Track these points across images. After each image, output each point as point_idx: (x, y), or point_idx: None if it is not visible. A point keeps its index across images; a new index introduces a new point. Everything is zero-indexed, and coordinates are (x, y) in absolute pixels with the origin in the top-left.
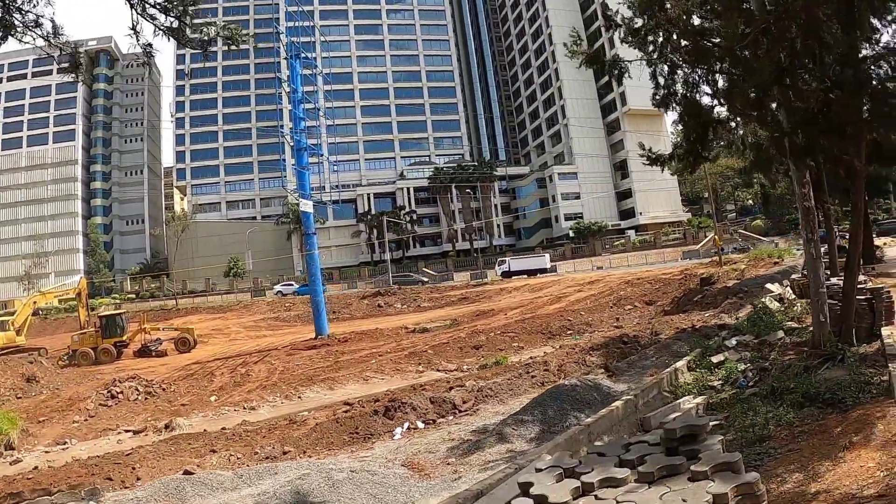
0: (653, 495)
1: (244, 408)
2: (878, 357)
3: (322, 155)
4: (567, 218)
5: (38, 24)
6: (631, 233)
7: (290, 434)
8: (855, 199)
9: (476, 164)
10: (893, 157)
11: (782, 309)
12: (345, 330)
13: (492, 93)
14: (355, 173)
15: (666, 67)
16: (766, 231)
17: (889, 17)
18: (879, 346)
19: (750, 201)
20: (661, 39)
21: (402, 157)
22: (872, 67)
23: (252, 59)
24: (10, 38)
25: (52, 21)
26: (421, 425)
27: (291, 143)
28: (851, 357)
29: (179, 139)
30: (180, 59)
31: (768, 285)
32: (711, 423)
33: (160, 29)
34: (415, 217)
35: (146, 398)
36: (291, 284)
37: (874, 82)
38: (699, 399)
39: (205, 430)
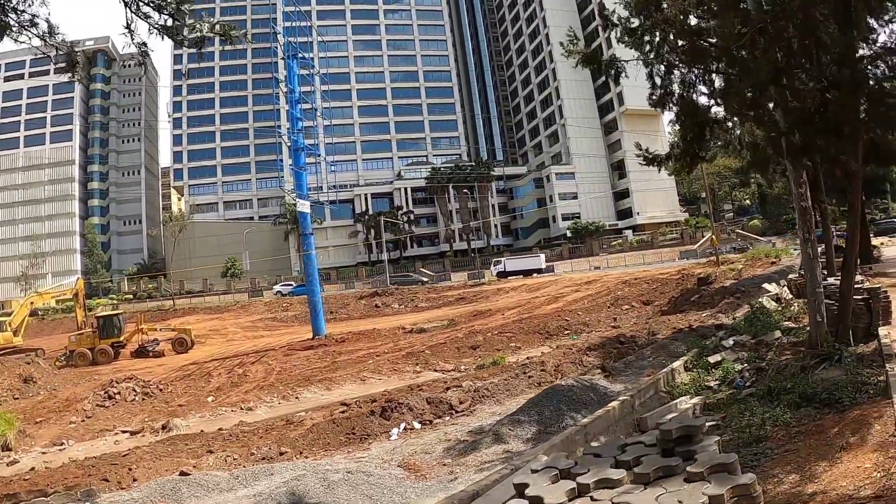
0: (648, 497)
1: (241, 408)
2: (876, 357)
3: (319, 155)
4: (564, 218)
5: (33, 24)
6: (628, 233)
7: (286, 435)
8: (852, 199)
9: (473, 164)
10: (890, 157)
11: (779, 309)
12: (342, 330)
13: (489, 93)
14: (353, 173)
15: (662, 67)
16: (763, 231)
17: (886, 17)
18: (876, 346)
19: (747, 201)
20: (657, 39)
21: (399, 158)
22: (869, 67)
23: (249, 60)
24: (5, 37)
25: (48, 21)
26: (417, 426)
27: (288, 144)
28: (848, 357)
29: (176, 139)
30: (177, 59)
31: (765, 285)
32: (708, 424)
33: (154, 27)
34: (412, 217)
35: (143, 399)
36: (291, 284)
37: (871, 82)
38: (696, 399)
39: (202, 431)
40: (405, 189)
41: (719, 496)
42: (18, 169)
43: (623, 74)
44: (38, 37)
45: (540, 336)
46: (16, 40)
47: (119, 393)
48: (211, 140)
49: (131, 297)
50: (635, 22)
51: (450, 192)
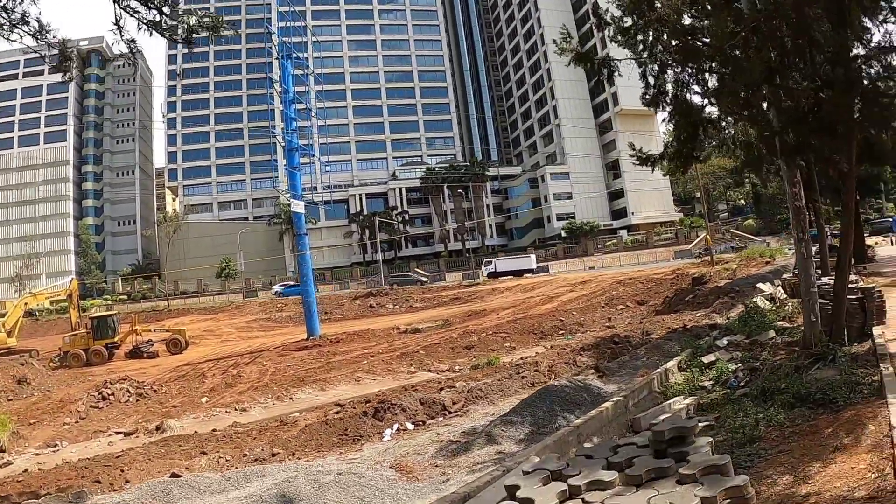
0: (640, 499)
1: (235, 409)
2: (870, 357)
3: (314, 155)
4: (559, 218)
5: (24, 21)
6: (623, 233)
7: (279, 436)
8: (846, 198)
9: (468, 164)
10: (884, 156)
11: (773, 308)
12: (337, 331)
13: (484, 93)
14: (347, 174)
15: (656, 67)
16: (757, 231)
17: (880, 17)
18: (871, 346)
19: (741, 201)
20: (650, 38)
21: (394, 158)
22: (863, 67)
23: (244, 60)
24: None
25: (38, 20)
26: (410, 427)
27: (283, 144)
28: (843, 357)
29: (171, 140)
30: (172, 59)
31: (759, 285)
32: (702, 425)
33: (142, 23)
34: (407, 217)
35: (137, 400)
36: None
37: (865, 81)
38: (689, 400)
39: (195, 432)
40: (400, 189)
41: (711, 498)
42: (12, 169)
43: (616, 73)
44: (29, 35)
45: (535, 336)
46: (7, 38)
47: (113, 394)
48: (205, 140)
49: (126, 297)
50: (628, 21)
51: (444, 193)
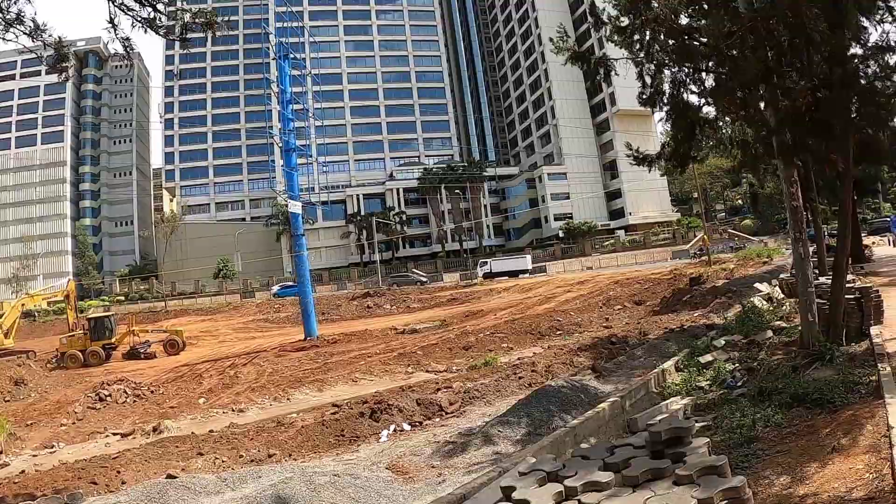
0: (636, 500)
1: (232, 410)
2: (867, 357)
3: (311, 156)
4: (557, 218)
5: (20, 21)
6: (620, 233)
7: (276, 437)
8: (843, 198)
9: (465, 164)
10: (881, 156)
11: (771, 308)
12: (334, 331)
13: (481, 93)
14: (344, 174)
15: (652, 66)
16: (755, 231)
17: (877, 17)
18: (868, 346)
19: (739, 201)
20: (647, 38)
21: (391, 158)
22: (861, 66)
23: (241, 61)
24: None
25: (34, 20)
26: (407, 427)
27: (280, 145)
28: (840, 357)
29: (168, 140)
30: (169, 59)
31: (757, 285)
32: (699, 425)
33: (137, 20)
34: (404, 218)
35: (134, 401)
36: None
37: (862, 81)
38: (686, 400)
39: (192, 433)
40: (397, 190)
41: (708, 499)
42: (9, 170)
43: (613, 73)
44: (25, 34)
45: (532, 336)
46: (3, 38)
47: (110, 395)
48: (203, 141)
49: (123, 298)
50: (625, 21)
51: (442, 193)
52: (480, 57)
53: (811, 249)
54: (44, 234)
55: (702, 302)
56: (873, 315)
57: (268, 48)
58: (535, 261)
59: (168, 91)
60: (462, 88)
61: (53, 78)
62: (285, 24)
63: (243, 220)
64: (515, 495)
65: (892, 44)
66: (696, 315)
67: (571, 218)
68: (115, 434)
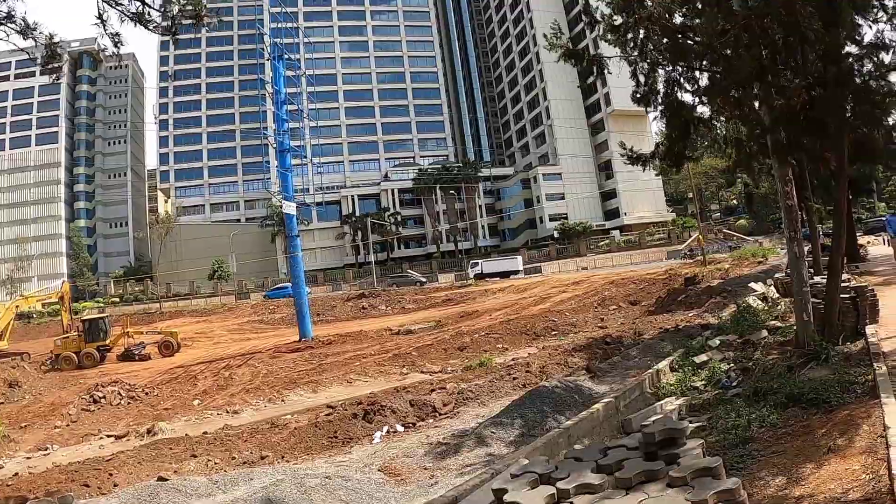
0: (630, 502)
1: (227, 411)
2: (863, 356)
3: (306, 157)
4: (552, 218)
5: (10, 19)
6: (615, 233)
7: (269, 438)
8: (837, 197)
9: (460, 165)
10: (876, 155)
11: (766, 308)
12: (329, 332)
13: (476, 94)
14: (339, 175)
15: (646, 65)
16: (749, 231)
17: (871, 17)
18: (864, 345)
19: (734, 201)
20: (641, 37)
21: (386, 159)
22: (855, 65)
23: (236, 61)
24: None
25: (24, 19)
26: (400, 429)
27: (274, 146)
28: (835, 356)
29: (163, 141)
30: (164, 60)
31: (752, 284)
32: (694, 425)
33: (125, 15)
34: (399, 219)
35: (129, 402)
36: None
37: (857, 80)
38: (681, 400)
39: (186, 435)
40: (392, 190)
41: (702, 501)
42: (4, 171)
43: (606, 70)
44: (16, 32)
45: (527, 337)
46: None
47: (104, 397)
48: (197, 142)
49: (117, 300)
50: (618, 19)
51: (437, 194)
52: (475, 57)
53: (806, 249)
54: (38, 236)
55: (697, 302)
56: (869, 314)
57: (262, 49)
58: (531, 261)
59: (163, 92)
60: (457, 89)
61: (47, 79)
62: (280, 25)
63: (238, 221)
64: (507, 498)
65: (887, 42)
66: (691, 315)
67: (566, 218)
68: (109, 436)
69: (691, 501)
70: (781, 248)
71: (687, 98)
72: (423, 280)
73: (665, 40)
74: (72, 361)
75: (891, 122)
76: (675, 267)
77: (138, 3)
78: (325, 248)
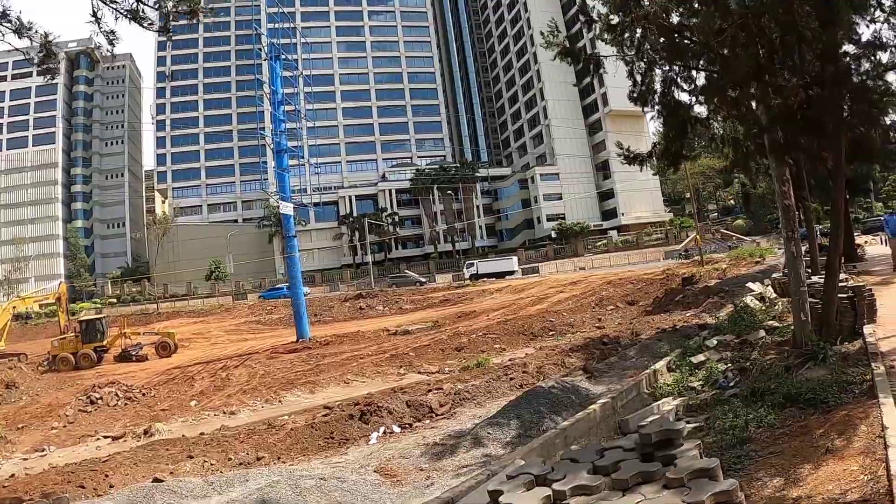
0: None
1: (224, 412)
2: (861, 356)
3: (303, 157)
4: (549, 219)
5: (5, 17)
6: (613, 233)
7: (265, 439)
8: (835, 197)
9: (458, 165)
10: (873, 154)
11: (763, 308)
12: (326, 333)
13: (474, 94)
14: (337, 175)
15: (643, 64)
16: (747, 231)
17: (868, 17)
18: (861, 345)
19: (731, 201)
20: (637, 36)
21: (383, 159)
22: (853, 64)
23: (233, 62)
24: None
25: (19, 19)
26: (397, 429)
27: (272, 146)
28: (833, 356)
29: (160, 142)
30: (161, 60)
31: (749, 284)
32: (691, 426)
33: (120, 12)
34: (397, 219)
35: (126, 403)
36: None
37: (854, 79)
38: (678, 401)
39: (183, 436)
40: (390, 191)
41: (699, 503)
42: (1, 172)
43: (602, 70)
44: (11, 31)
45: (524, 337)
46: None
47: (101, 398)
48: (195, 142)
49: (115, 300)
50: (615, 19)
51: (434, 194)
52: (473, 58)
53: (803, 249)
54: (35, 237)
55: (694, 302)
56: (866, 314)
57: (259, 49)
58: (528, 261)
59: (160, 92)
60: (454, 89)
61: (42, 79)
62: (277, 25)
63: (235, 221)
64: (502, 499)
65: (884, 41)
66: (688, 315)
67: (564, 218)
68: (106, 437)
69: (687, 503)
70: (779, 248)
71: (684, 97)
72: (423, 280)
73: (662, 39)
74: (69, 362)
75: (888, 122)
76: (673, 267)
77: (133, 0)
78: (322, 249)
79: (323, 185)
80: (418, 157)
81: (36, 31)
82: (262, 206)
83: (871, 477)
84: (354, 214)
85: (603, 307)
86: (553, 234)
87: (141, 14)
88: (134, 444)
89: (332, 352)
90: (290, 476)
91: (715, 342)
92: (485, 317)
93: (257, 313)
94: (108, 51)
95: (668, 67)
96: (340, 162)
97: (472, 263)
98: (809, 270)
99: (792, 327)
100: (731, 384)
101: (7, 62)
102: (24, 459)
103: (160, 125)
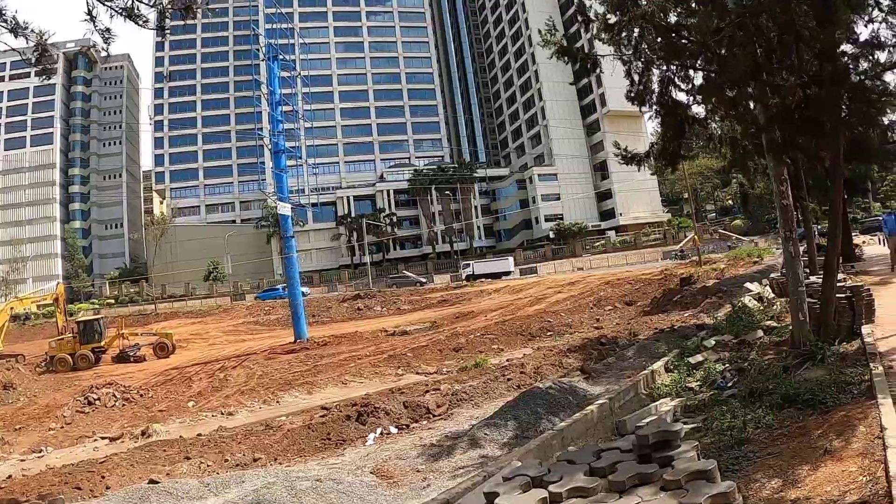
0: None
1: (222, 413)
2: (859, 356)
3: (300, 158)
4: (547, 219)
5: (0, 16)
6: (611, 233)
7: (262, 440)
8: (833, 197)
9: (456, 165)
10: (871, 154)
11: (761, 308)
12: (324, 333)
13: (472, 95)
14: (335, 176)
15: (640, 64)
16: (745, 231)
17: (866, 17)
18: (860, 345)
19: (729, 201)
20: (635, 35)
21: (381, 160)
22: (851, 64)
23: (231, 62)
24: None
25: (14, 18)
26: (394, 430)
27: (269, 147)
28: (831, 356)
29: (158, 142)
30: (159, 61)
31: (747, 284)
32: (689, 427)
33: (115, 11)
34: (395, 219)
35: (124, 404)
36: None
37: (852, 78)
38: (676, 401)
39: (181, 437)
40: (388, 191)
41: None
42: None
43: (599, 69)
44: (7, 30)
45: (522, 338)
46: None
47: (99, 399)
48: (193, 143)
49: (113, 301)
50: (612, 18)
51: (432, 194)
52: (471, 58)
53: (801, 248)
54: (33, 237)
55: (692, 302)
56: (864, 314)
57: (257, 49)
58: (526, 262)
59: (158, 93)
60: (452, 90)
61: (38, 80)
62: (275, 26)
63: (233, 222)
64: (498, 501)
65: (883, 40)
66: (686, 315)
67: (562, 219)
68: (103, 438)
69: None
70: (777, 248)
71: (681, 97)
72: (424, 280)
73: (659, 39)
74: (66, 363)
75: (886, 122)
76: (671, 267)
77: None
78: (320, 250)
79: (321, 185)
80: (416, 157)
81: (32, 31)
82: (260, 207)
83: (870, 478)
84: (352, 215)
85: (601, 307)
86: (551, 235)
87: (136, 12)
88: (131, 445)
89: (329, 352)
90: (286, 477)
91: (713, 342)
92: (483, 317)
93: (255, 314)
94: (103, 49)
95: (665, 67)
96: (338, 162)
97: (468, 264)
98: (807, 270)
99: (790, 327)
100: (730, 384)
101: (5, 62)
102: (22, 461)
103: (158, 126)
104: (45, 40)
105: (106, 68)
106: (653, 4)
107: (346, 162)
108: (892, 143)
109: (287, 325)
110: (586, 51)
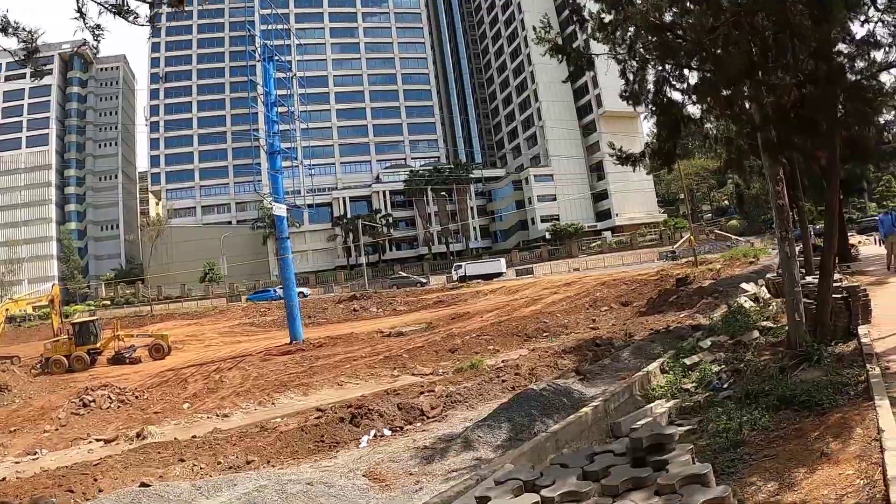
0: None
1: (217, 415)
2: (856, 357)
3: (296, 158)
4: (543, 220)
5: None
6: (607, 234)
7: (256, 442)
8: (829, 197)
9: (452, 166)
10: (867, 154)
11: (758, 309)
12: (320, 335)
13: (468, 95)
14: (331, 177)
15: (635, 63)
16: (741, 231)
17: (862, 15)
18: (856, 346)
19: (725, 202)
20: (630, 34)
21: (377, 161)
22: (847, 64)
23: (227, 63)
24: None
25: (5, 17)
26: (388, 433)
27: (265, 148)
28: (828, 357)
29: (154, 143)
30: (154, 62)
31: (743, 285)
32: (684, 429)
33: (104, 7)
34: (391, 220)
35: (119, 406)
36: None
37: (849, 78)
38: (671, 403)
39: (175, 439)
40: (383, 192)
41: None
42: None
43: (594, 69)
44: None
45: (518, 339)
46: None
47: (94, 401)
48: (188, 144)
49: (108, 302)
50: (607, 17)
51: (428, 195)
52: (467, 59)
53: (797, 249)
54: (28, 239)
55: (688, 302)
56: (861, 314)
57: (253, 50)
58: (522, 262)
59: (153, 94)
60: (448, 90)
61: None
62: (270, 27)
63: (229, 223)
64: None
65: (879, 40)
66: (682, 316)
67: (558, 219)
68: (98, 440)
69: None
70: (773, 248)
71: (676, 96)
72: (424, 281)
73: (654, 38)
74: (62, 365)
75: (882, 121)
76: (667, 268)
77: None
78: (316, 250)
79: (317, 186)
80: (412, 158)
81: (23, 30)
82: (255, 208)
83: (868, 481)
84: (348, 216)
85: (597, 308)
86: (547, 235)
87: (126, 8)
88: (126, 448)
89: (325, 354)
90: (277, 481)
91: (709, 343)
92: (479, 318)
93: (251, 315)
94: (94, 47)
95: (660, 66)
96: (334, 163)
97: (460, 265)
98: (804, 271)
99: (786, 328)
100: (725, 386)
101: (0, 64)
102: (16, 463)
103: (154, 127)
104: (35, 39)
105: (102, 69)
106: (647, 3)
107: (342, 163)
108: (888, 143)
109: (283, 327)
110: (582, 50)
